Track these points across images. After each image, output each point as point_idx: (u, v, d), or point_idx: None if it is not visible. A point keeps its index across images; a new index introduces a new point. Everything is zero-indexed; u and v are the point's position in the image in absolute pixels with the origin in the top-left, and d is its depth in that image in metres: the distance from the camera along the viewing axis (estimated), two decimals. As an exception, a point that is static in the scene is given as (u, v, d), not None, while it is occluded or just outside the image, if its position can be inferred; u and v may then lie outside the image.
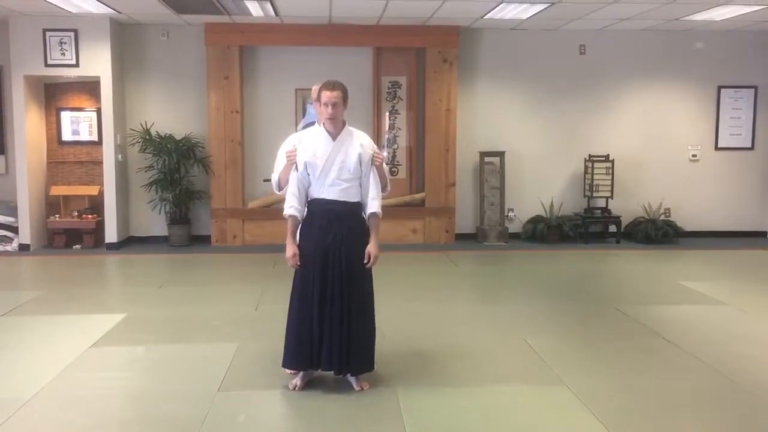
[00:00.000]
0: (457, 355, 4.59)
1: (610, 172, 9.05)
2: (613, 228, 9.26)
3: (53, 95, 8.88)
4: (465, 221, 9.29)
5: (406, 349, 4.68)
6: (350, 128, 4.00)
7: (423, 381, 4.11)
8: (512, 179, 9.26)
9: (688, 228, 9.28)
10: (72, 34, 8.28)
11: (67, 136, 8.89)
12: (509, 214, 9.33)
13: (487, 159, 9.16)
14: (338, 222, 3.88)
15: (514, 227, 9.34)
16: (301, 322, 3.88)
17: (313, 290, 3.85)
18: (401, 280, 6.99)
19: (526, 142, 9.31)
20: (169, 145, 8.60)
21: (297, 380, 3.99)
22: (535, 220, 9.21)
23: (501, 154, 9.13)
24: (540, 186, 9.36)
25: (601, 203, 9.23)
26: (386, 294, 6.23)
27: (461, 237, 9.19)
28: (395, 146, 9.16)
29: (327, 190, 3.90)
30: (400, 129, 9.16)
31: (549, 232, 9.05)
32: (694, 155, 9.54)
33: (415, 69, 9.10)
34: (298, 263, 3.89)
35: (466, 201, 9.30)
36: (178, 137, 8.71)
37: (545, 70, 9.25)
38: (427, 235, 9.06)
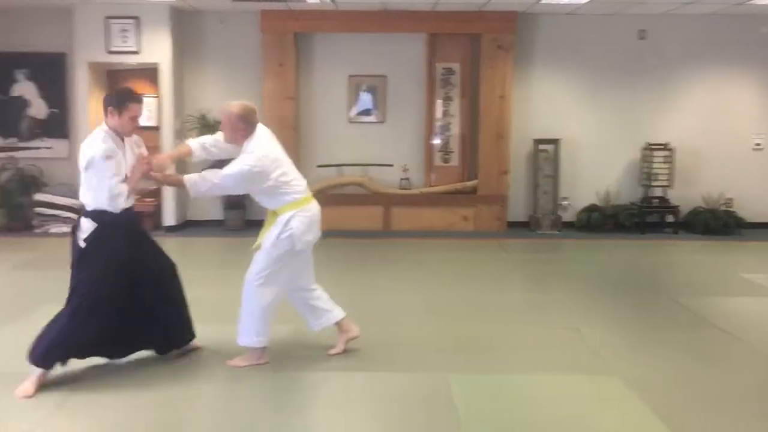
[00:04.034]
0: (509, 343, 4.58)
1: (669, 160, 8.82)
2: (670, 218, 9.03)
3: (114, 82, 9.12)
4: (517, 209, 9.20)
5: (457, 336, 4.69)
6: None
7: (474, 367, 4.12)
8: (567, 167, 9.12)
9: (750, 219, 8.98)
10: (133, 21, 8.49)
11: (127, 121, 9.12)
12: (563, 202, 9.19)
13: (541, 147, 9.04)
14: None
15: (567, 216, 9.20)
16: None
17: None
18: (452, 268, 6.98)
19: (582, 129, 9.15)
20: (225, 131, 8.73)
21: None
22: (590, 209, 9.05)
23: (556, 142, 9.00)
24: (595, 174, 9.18)
25: (659, 192, 9.01)
26: (436, 281, 6.26)
27: (513, 225, 9.11)
28: (448, 133, 9.12)
29: None
30: (453, 116, 9.11)
31: (604, 221, 8.89)
32: (757, 144, 9.21)
33: (469, 55, 9.02)
34: None
35: (519, 189, 9.20)
36: (233, 123, 8.84)
37: (603, 56, 9.05)
38: (478, 223, 9.00)
